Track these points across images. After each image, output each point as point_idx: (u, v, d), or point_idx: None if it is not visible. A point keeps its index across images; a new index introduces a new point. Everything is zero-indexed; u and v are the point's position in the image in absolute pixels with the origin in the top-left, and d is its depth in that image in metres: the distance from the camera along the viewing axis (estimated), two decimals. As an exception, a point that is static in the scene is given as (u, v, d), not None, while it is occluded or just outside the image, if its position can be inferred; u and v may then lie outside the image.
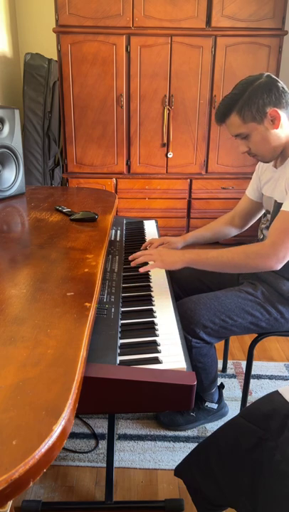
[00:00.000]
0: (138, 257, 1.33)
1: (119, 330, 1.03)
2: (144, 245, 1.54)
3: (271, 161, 1.37)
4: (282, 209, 1.25)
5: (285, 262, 1.25)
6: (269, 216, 1.43)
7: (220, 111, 1.29)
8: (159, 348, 0.97)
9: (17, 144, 1.73)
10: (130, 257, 1.35)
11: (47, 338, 0.75)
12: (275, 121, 1.24)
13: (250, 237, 1.68)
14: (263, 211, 1.51)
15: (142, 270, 1.29)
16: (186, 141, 3.17)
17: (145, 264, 1.33)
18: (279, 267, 1.25)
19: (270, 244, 1.24)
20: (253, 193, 1.54)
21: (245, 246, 1.29)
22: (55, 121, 3.29)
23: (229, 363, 1.98)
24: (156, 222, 1.95)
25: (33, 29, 3.42)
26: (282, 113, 1.24)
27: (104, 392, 0.83)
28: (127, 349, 0.96)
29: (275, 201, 1.35)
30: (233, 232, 1.63)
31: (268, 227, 1.43)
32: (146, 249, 1.48)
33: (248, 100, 1.23)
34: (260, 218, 1.56)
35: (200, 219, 3.35)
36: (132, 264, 1.33)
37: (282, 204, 1.29)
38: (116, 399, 0.85)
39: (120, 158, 3.19)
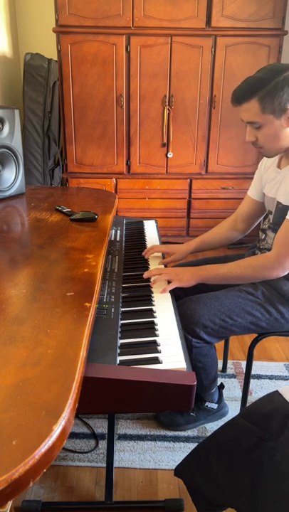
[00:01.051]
0: (154, 275, 1.31)
1: (119, 330, 1.03)
2: (146, 251, 1.51)
3: (273, 157, 1.37)
4: (287, 217, 1.26)
5: None
6: (271, 217, 1.42)
7: (241, 91, 1.22)
8: (159, 348, 0.97)
9: (17, 143, 1.73)
10: (145, 275, 1.31)
11: (47, 338, 0.75)
12: None
13: (251, 236, 1.67)
14: (266, 212, 1.51)
15: (162, 292, 1.26)
16: (186, 141, 3.17)
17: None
18: (285, 273, 1.30)
19: (274, 256, 1.27)
20: (256, 193, 1.52)
21: (251, 259, 1.33)
22: (55, 121, 3.29)
23: (229, 363, 1.98)
24: (156, 222, 1.95)
25: (33, 29, 3.43)
26: None
27: (104, 392, 0.83)
28: (127, 349, 0.96)
29: (278, 202, 1.35)
30: (236, 236, 1.62)
31: (270, 228, 1.42)
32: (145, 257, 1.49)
33: (272, 90, 1.18)
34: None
35: (200, 219, 3.35)
36: (151, 285, 1.29)
37: (285, 206, 1.29)
38: (116, 399, 0.85)
39: (120, 158, 3.19)
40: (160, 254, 1.55)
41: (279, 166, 1.38)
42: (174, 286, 1.28)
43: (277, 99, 1.18)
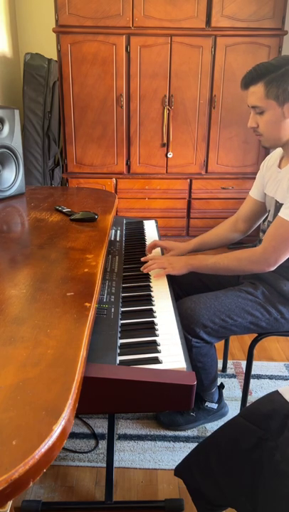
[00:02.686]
0: (149, 264, 1.38)
1: (119, 330, 1.03)
2: (148, 247, 1.54)
3: (271, 148, 1.37)
4: (278, 214, 1.26)
5: (278, 264, 1.29)
6: (269, 216, 1.43)
7: (250, 75, 1.24)
8: (159, 348, 0.97)
9: (17, 144, 1.73)
10: (142, 267, 1.39)
11: (47, 338, 0.75)
12: None
13: (249, 236, 1.67)
14: (267, 213, 1.51)
15: (156, 277, 1.35)
16: (186, 141, 3.16)
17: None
18: (272, 269, 1.30)
19: (261, 250, 1.29)
20: (258, 193, 1.51)
21: (239, 252, 1.34)
22: (55, 121, 3.29)
23: (229, 362, 1.98)
24: (156, 222, 1.95)
25: (33, 29, 3.42)
26: None
27: (104, 392, 0.83)
28: (126, 349, 0.96)
29: (276, 202, 1.35)
30: (237, 237, 1.62)
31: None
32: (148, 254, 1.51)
33: (280, 77, 1.19)
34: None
35: (200, 219, 3.35)
36: (145, 271, 1.36)
37: (282, 205, 1.30)
38: (116, 399, 0.85)
39: (120, 158, 3.19)
40: (159, 249, 1.58)
41: (279, 166, 1.38)
42: (167, 273, 1.35)
43: (282, 86, 1.19)
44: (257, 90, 1.24)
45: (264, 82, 1.21)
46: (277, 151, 1.42)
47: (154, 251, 1.56)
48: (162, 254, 1.58)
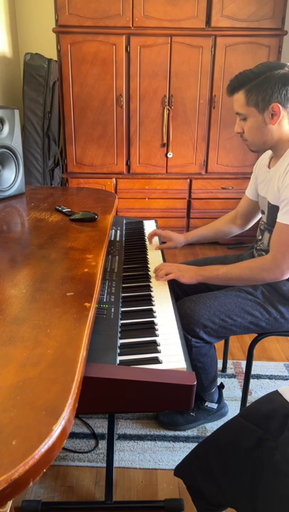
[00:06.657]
0: (159, 270, 1.36)
1: (119, 330, 1.03)
2: (149, 235, 1.63)
3: (257, 152, 1.39)
4: (277, 220, 1.27)
5: None
6: (264, 217, 1.44)
7: (232, 83, 1.29)
8: (158, 348, 0.97)
9: (17, 144, 1.73)
10: (154, 271, 1.38)
11: (47, 338, 0.75)
12: (274, 117, 1.24)
13: (249, 236, 1.68)
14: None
15: (164, 279, 1.33)
16: (185, 141, 3.17)
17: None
18: (285, 277, 1.29)
19: (271, 258, 1.28)
20: (252, 193, 1.55)
21: (249, 261, 1.34)
22: (54, 121, 3.29)
23: (229, 362, 1.98)
24: (156, 222, 1.95)
25: (32, 29, 3.42)
26: (284, 112, 1.24)
27: (104, 392, 0.83)
28: (126, 349, 0.96)
29: (269, 202, 1.36)
30: (235, 231, 1.65)
31: (266, 229, 1.43)
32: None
33: (259, 85, 1.22)
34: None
35: (200, 219, 3.35)
36: (156, 279, 1.34)
37: (274, 206, 1.31)
38: (116, 399, 0.85)
39: (120, 158, 3.19)
40: (160, 254, 1.57)
41: (268, 166, 1.39)
42: (174, 278, 1.33)
43: (262, 94, 1.23)
44: (239, 98, 1.28)
45: (245, 90, 1.25)
46: (269, 151, 1.43)
47: (153, 253, 1.57)
48: (162, 254, 1.58)
